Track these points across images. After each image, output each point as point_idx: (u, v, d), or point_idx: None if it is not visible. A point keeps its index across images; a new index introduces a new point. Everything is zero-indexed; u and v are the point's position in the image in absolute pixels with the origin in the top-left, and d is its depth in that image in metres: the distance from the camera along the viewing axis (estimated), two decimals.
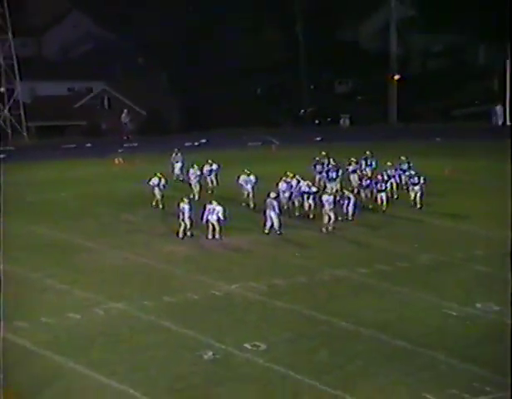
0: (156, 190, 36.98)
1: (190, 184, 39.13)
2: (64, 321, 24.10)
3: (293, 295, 26.06)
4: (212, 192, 38.83)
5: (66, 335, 23.14)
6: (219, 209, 31.77)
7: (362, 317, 24.08)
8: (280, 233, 32.62)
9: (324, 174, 38.68)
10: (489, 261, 28.90)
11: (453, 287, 26.65)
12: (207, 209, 31.92)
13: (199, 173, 39.41)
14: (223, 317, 24.25)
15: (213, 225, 31.98)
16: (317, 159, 40.26)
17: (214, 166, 39.92)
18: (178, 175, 43.06)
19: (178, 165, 43.38)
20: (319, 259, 29.79)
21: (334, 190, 36.15)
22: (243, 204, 36.48)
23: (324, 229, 32.81)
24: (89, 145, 59.17)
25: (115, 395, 19.54)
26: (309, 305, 25.04)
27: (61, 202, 39.78)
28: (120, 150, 53.58)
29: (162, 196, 36.95)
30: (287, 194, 35.13)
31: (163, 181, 37.11)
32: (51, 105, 67.32)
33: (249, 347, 21.97)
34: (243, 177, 36.81)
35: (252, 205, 36.29)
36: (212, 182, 39.83)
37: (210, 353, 21.59)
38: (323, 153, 40.66)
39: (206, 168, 40.05)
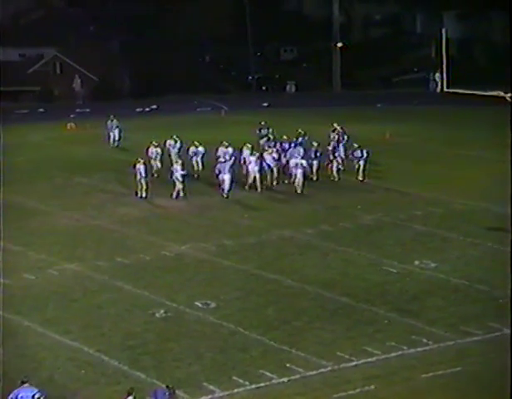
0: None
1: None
2: (19, 281, 24.61)
3: (242, 255, 26.87)
4: (198, 177, 36.22)
5: (22, 295, 23.65)
6: (179, 167, 33.07)
7: (308, 275, 25.00)
8: (227, 197, 33.49)
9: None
10: (427, 221, 30.01)
11: (394, 245, 27.70)
12: (173, 168, 33.21)
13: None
14: (174, 277, 24.95)
15: (175, 183, 32.92)
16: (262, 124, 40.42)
17: (201, 149, 36.70)
18: (114, 142, 42.92)
19: (115, 132, 42.98)
20: (266, 220, 30.57)
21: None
22: (195, 176, 36.17)
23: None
24: (42, 110, 59.00)
25: (70, 351, 20.10)
26: (257, 264, 25.92)
27: (17, 166, 39.92)
28: (72, 116, 53.58)
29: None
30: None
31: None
32: (3, 71, 66.87)
33: (200, 305, 22.71)
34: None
35: (196, 176, 36.17)
36: (198, 164, 36.62)
37: (162, 311, 22.26)
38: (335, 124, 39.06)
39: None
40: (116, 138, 43.14)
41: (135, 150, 40.04)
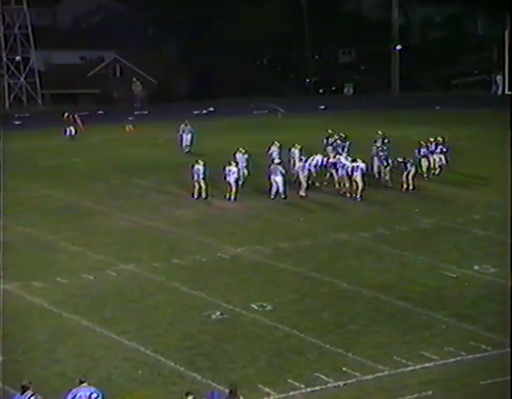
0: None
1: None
2: (78, 281, 24.93)
3: (297, 257, 26.83)
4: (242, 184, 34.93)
5: (80, 295, 23.95)
6: (235, 170, 33.11)
7: (364, 278, 24.85)
8: (285, 198, 33.46)
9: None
10: (487, 225, 29.63)
11: (452, 250, 27.41)
12: (227, 170, 33.18)
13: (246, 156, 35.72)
14: (230, 279, 25.01)
15: (230, 186, 33.03)
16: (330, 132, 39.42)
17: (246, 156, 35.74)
18: (186, 147, 42.86)
19: (188, 137, 42.97)
20: (322, 223, 30.53)
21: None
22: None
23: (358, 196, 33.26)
24: (101, 112, 59.89)
25: (127, 351, 20.25)
26: (312, 267, 25.84)
27: (74, 167, 40.60)
28: (130, 118, 54.25)
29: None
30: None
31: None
32: (64, 73, 68.38)
33: (256, 307, 22.69)
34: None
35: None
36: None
37: (218, 313, 22.28)
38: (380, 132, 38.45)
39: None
40: (188, 143, 42.95)
41: (192, 152, 40.44)
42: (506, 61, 63.34)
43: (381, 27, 71.05)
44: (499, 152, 37.94)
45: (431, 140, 37.40)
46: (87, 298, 23.77)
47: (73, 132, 47.95)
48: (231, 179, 33.17)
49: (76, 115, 48.94)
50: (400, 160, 34.90)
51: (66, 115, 48.91)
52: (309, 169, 34.27)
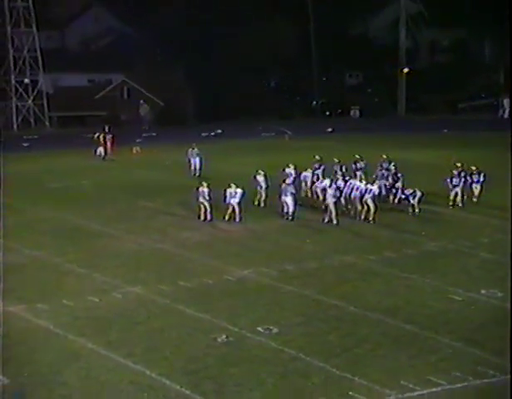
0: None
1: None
2: (84, 303, 24.89)
3: (304, 280, 26.76)
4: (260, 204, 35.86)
5: (86, 317, 23.89)
6: (239, 191, 33.12)
7: (370, 301, 24.76)
8: (292, 219, 33.44)
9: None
10: (494, 249, 29.56)
11: (459, 273, 27.32)
12: (228, 193, 33.20)
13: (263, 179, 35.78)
14: (236, 302, 24.94)
15: (233, 208, 33.07)
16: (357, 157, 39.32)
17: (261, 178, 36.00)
18: (194, 170, 42.94)
19: (196, 161, 42.97)
20: (329, 245, 30.50)
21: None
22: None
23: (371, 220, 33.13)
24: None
25: (132, 374, 20.13)
26: (319, 290, 25.75)
27: (82, 189, 40.76)
28: (138, 140, 54.44)
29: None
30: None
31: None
32: (72, 95, 68.74)
33: (262, 330, 22.59)
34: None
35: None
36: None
37: (224, 336, 22.19)
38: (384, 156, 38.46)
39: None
40: (198, 167, 42.97)
41: (201, 175, 40.49)
42: None
43: (388, 50, 71.38)
44: (506, 175, 37.89)
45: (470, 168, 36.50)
46: (93, 320, 23.71)
47: (103, 153, 48.15)
48: (234, 201, 33.16)
49: (107, 136, 49.04)
50: (407, 192, 34.73)
51: (96, 135, 49.16)
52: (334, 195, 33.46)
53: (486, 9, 67.54)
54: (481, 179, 36.44)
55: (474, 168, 36.53)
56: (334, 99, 71.95)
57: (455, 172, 36.19)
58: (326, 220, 33.09)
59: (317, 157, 38.27)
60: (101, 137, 48.97)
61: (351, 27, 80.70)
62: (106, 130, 49.85)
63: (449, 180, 35.97)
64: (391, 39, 73.46)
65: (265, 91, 73.01)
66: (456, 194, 35.79)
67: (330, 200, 33.04)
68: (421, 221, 33.57)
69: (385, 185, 35.81)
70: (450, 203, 35.73)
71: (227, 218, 33.38)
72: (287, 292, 25.80)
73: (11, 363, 20.44)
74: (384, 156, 38.37)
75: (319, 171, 37.62)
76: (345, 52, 72.24)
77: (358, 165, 38.68)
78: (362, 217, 33.27)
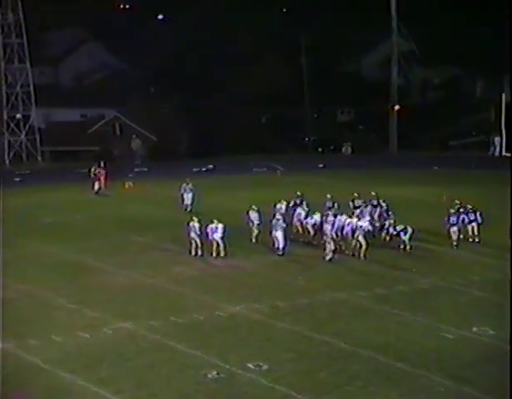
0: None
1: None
2: (74, 339, 24.81)
3: (295, 316, 26.75)
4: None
5: (76, 353, 23.81)
6: (220, 226, 33.15)
7: (361, 338, 24.73)
8: (282, 254, 33.45)
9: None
10: (485, 286, 29.57)
11: (450, 310, 27.31)
12: (209, 229, 33.27)
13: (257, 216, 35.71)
14: (227, 338, 24.90)
15: (217, 243, 33.09)
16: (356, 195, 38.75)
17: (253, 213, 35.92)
18: (187, 206, 42.84)
19: (189, 196, 43.01)
20: (320, 282, 30.48)
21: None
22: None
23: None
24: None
25: None
26: (310, 326, 25.73)
27: (74, 223, 40.70)
28: (130, 175, 54.48)
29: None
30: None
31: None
32: (65, 130, 68.87)
33: (252, 366, 22.57)
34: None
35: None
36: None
37: (214, 372, 22.16)
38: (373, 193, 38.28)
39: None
40: (189, 202, 42.90)
41: (193, 210, 40.45)
42: (503, 123, 64.00)
43: (380, 88, 71.74)
44: (497, 213, 37.98)
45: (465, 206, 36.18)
46: (83, 356, 23.62)
47: (96, 187, 48.23)
48: (217, 236, 33.17)
49: (101, 171, 49.04)
50: (398, 228, 34.75)
51: (92, 170, 49.19)
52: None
53: (478, 48, 68.21)
54: (478, 218, 36.19)
55: (469, 206, 36.50)
56: (326, 135, 72.17)
57: (452, 210, 36.04)
58: (328, 257, 32.88)
59: (298, 193, 38.44)
60: (97, 172, 49.03)
61: (343, 64, 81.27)
62: (102, 165, 49.88)
63: (446, 219, 35.76)
64: (382, 76, 73.97)
65: (257, 127, 73.27)
66: (456, 232, 35.20)
67: (330, 235, 33.07)
68: (413, 258, 33.59)
69: (371, 222, 35.69)
70: (455, 243, 35.08)
71: (214, 254, 33.32)
72: (278, 328, 25.78)
73: None
74: (373, 193, 38.46)
75: (302, 206, 37.46)
76: (337, 89, 72.63)
77: (356, 202, 38.69)
78: (356, 253, 33.28)
